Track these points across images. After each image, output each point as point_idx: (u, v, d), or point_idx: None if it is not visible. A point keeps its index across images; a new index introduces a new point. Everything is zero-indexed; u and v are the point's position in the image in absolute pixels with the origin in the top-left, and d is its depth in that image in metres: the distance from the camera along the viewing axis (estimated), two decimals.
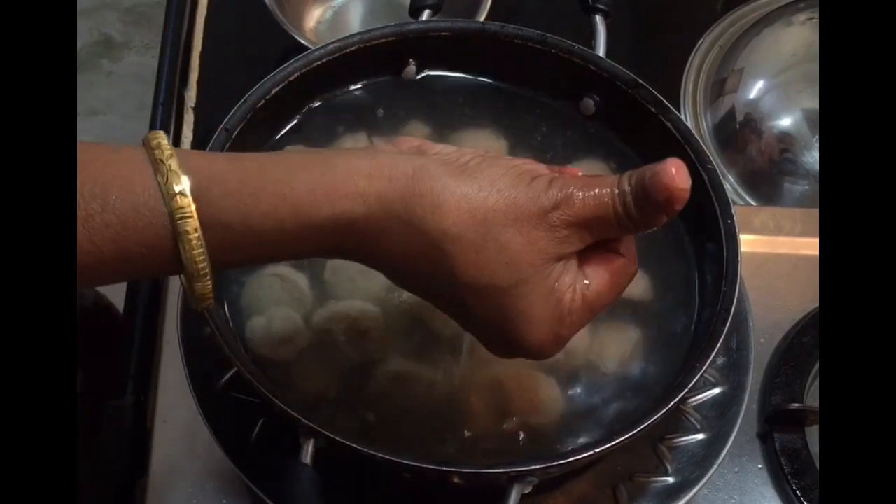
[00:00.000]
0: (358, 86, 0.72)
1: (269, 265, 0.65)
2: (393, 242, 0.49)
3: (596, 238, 0.51)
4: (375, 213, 0.48)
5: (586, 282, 0.51)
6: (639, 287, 0.66)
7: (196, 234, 0.46)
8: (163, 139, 0.47)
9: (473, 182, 0.49)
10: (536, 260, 0.50)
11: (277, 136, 0.70)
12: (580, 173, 0.54)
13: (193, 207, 0.46)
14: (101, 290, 0.96)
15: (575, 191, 0.50)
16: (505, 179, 0.50)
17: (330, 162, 0.49)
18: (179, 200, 0.46)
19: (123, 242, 0.46)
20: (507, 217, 0.49)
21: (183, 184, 0.46)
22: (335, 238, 0.49)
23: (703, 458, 0.66)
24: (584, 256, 0.52)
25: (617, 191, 0.50)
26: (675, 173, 0.49)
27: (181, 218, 0.46)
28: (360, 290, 0.65)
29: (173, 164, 0.46)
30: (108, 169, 0.46)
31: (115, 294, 0.87)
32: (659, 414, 0.56)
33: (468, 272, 0.49)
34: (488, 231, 0.49)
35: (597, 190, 0.50)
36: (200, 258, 0.47)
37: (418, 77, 0.73)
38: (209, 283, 0.48)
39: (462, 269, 0.49)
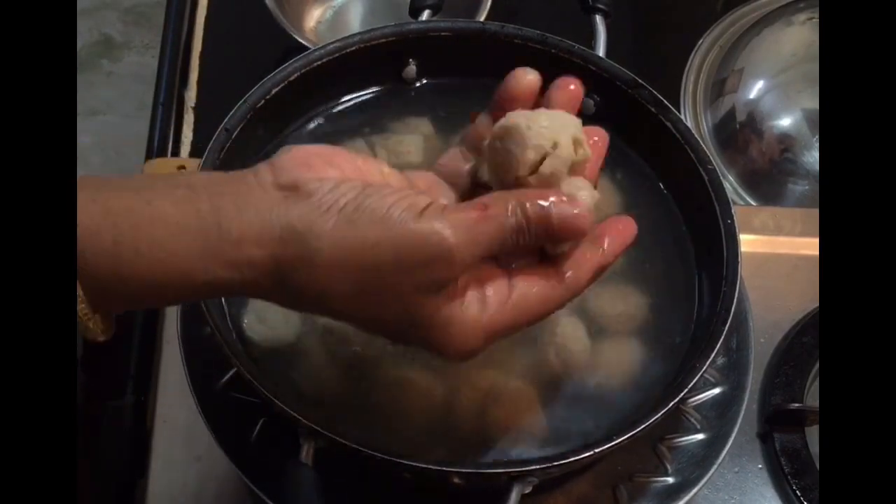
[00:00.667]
0: (358, 86, 0.72)
1: None
2: (276, 299, 0.50)
3: (509, 257, 0.51)
4: (249, 278, 0.48)
5: (505, 297, 0.50)
6: (638, 287, 0.66)
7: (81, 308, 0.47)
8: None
9: (345, 239, 0.47)
10: (426, 300, 0.48)
11: (278, 137, 0.69)
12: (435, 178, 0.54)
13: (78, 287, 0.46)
14: None
15: (465, 233, 0.47)
16: (385, 226, 0.47)
17: (202, 222, 0.47)
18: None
19: None
20: (388, 266, 0.47)
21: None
22: (221, 295, 0.51)
23: (703, 458, 0.66)
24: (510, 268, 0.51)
25: (512, 224, 0.48)
26: (586, 216, 0.49)
27: None
28: None
29: None
30: None
31: None
32: (659, 414, 0.56)
33: (360, 318, 0.50)
34: (367, 283, 0.47)
35: (490, 225, 0.48)
36: (82, 309, 0.47)
37: (418, 77, 0.73)
38: (98, 325, 0.48)
39: (352, 316, 0.50)
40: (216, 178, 0.49)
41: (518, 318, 0.51)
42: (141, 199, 0.47)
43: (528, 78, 0.55)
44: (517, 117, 0.52)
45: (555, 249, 0.51)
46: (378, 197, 0.48)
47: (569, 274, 0.51)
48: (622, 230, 0.53)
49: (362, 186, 0.48)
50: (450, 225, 0.47)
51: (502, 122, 0.52)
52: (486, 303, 0.50)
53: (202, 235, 0.47)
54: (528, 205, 0.49)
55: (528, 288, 0.51)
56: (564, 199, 0.49)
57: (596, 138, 0.56)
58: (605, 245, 0.52)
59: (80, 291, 0.46)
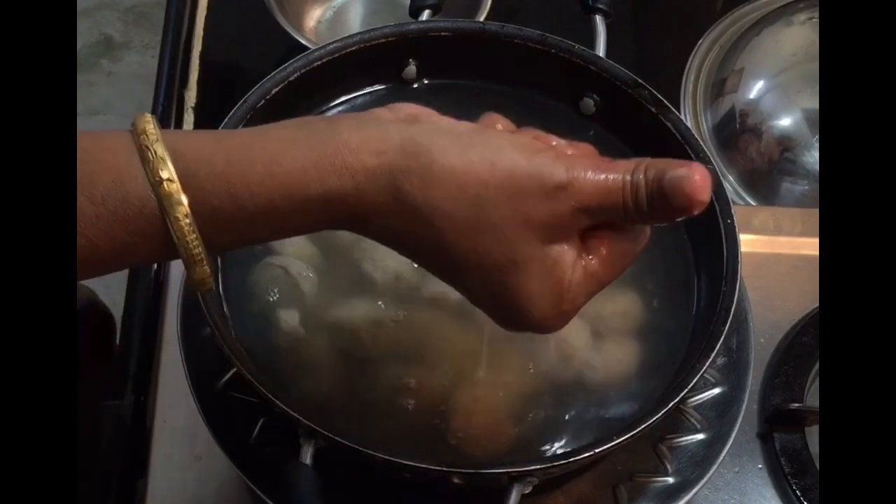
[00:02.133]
0: (358, 86, 0.72)
1: (273, 257, 0.65)
2: (386, 219, 0.48)
3: (598, 221, 0.49)
4: (365, 190, 0.47)
5: (589, 257, 0.50)
6: (638, 287, 0.66)
7: (187, 220, 0.45)
8: (149, 124, 0.46)
9: (465, 155, 0.47)
10: (533, 239, 0.48)
11: None
12: (593, 149, 0.52)
13: (182, 194, 0.45)
14: (100, 290, 0.96)
15: (582, 174, 0.47)
16: (503, 152, 0.47)
17: (319, 136, 0.48)
18: (167, 187, 0.45)
19: (116, 233, 0.45)
20: (502, 193, 0.47)
21: (169, 169, 0.45)
22: (329, 215, 0.48)
23: (703, 458, 0.66)
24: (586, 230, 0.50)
25: (630, 180, 0.48)
26: (699, 183, 0.47)
27: (170, 205, 0.45)
28: (365, 287, 0.65)
29: (159, 149, 0.45)
30: (93, 159, 0.45)
31: (116, 294, 0.87)
32: (659, 414, 0.56)
33: (461, 250, 0.48)
34: (481, 208, 0.47)
35: (607, 176, 0.48)
36: (194, 243, 0.46)
37: (418, 77, 0.73)
38: (206, 267, 0.47)
39: (455, 247, 0.48)
40: (329, 116, 0.50)
41: (610, 269, 0.50)
42: (254, 130, 0.48)
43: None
44: None
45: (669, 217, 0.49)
46: (494, 133, 0.49)
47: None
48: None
49: (477, 125, 0.50)
50: (568, 163, 0.47)
51: None
52: (583, 256, 0.49)
53: (319, 145, 0.47)
54: (647, 164, 0.48)
55: (611, 238, 0.50)
56: (677, 163, 0.48)
57: None
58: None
59: (191, 220, 0.45)
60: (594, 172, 0.48)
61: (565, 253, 0.49)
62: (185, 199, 0.45)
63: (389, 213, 0.48)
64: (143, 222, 0.45)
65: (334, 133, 0.47)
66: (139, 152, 0.46)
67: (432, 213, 0.47)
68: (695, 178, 0.47)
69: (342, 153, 0.47)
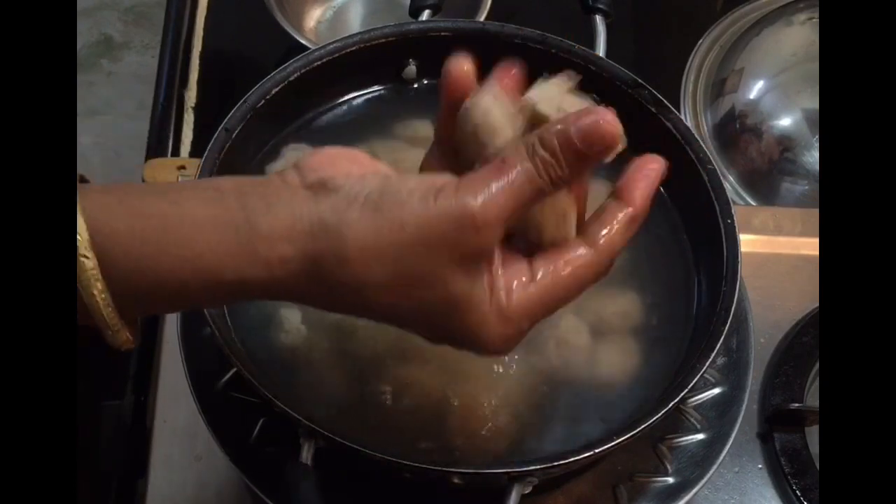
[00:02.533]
0: (358, 86, 0.72)
1: None
2: (309, 298, 0.49)
3: (536, 241, 0.50)
4: (281, 278, 0.47)
5: (531, 283, 0.49)
6: (638, 287, 0.66)
7: (103, 295, 0.46)
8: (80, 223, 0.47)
9: (374, 223, 0.46)
10: (461, 277, 0.47)
11: (278, 137, 0.69)
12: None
13: (97, 269, 0.46)
14: None
15: (487, 193, 0.46)
16: (408, 208, 0.46)
17: (231, 220, 0.47)
18: (83, 262, 0.45)
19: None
20: (419, 247, 0.47)
21: (85, 246, 0.45)
22: (250, 296, 0.49)
23: (703, 458, 0.66)
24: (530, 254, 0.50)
25: (530, 166, 0.47)
26: (610, 119, 0.47)
27: (87, 280, 0.46)
28: None
29: (82, 230, 0.46)
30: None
31: None
32: (659, 414, 0.56)
33: (399, 309, 0.48)
34: (403, 266, 0.47)
35: (509, 178, 0.47)
36: (110, 314, 0.47)
37: (418, 77, 0.73)
38: (125, 333, 0.48)
39: (391, 308, 0.48)
40: (243, 182, 0.49)
41: (556, 293, 0.50)
42: (167, 200, 0.48)
43: (463, 65, 0.54)
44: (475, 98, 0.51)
45: (594, 164, 0.48)
46: (400, 183, 0.48)
47: (601, 236, 0.50)
48: (646, 173, 0.51)
49: (384, 177, 0.48)
50: (468, 192, 0.46)
51: (463, 107, 0.51)
52: (521, 281, 0.49)
53: (232, 232, 0.47)
54: (543, 137, 0.47)
55: (561, 260, 0.50)
56: (575, 116, 0.48)
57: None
58: (633, 195, 0.50)
59: (107, 296, 0.46)
60: (495, 181, 0.47)
61: (496, 281, 0.48)
62: (99, 274, 0.46)
63: (312, 293, 0.48)
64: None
65: (245, 217, 0.47)
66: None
67: (357, 286, 0.47)
68: (605, 118, 0.47)
69: (254, 243, 0.47)
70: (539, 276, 0.49)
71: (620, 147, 0.47)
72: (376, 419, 0.62)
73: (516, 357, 0.64)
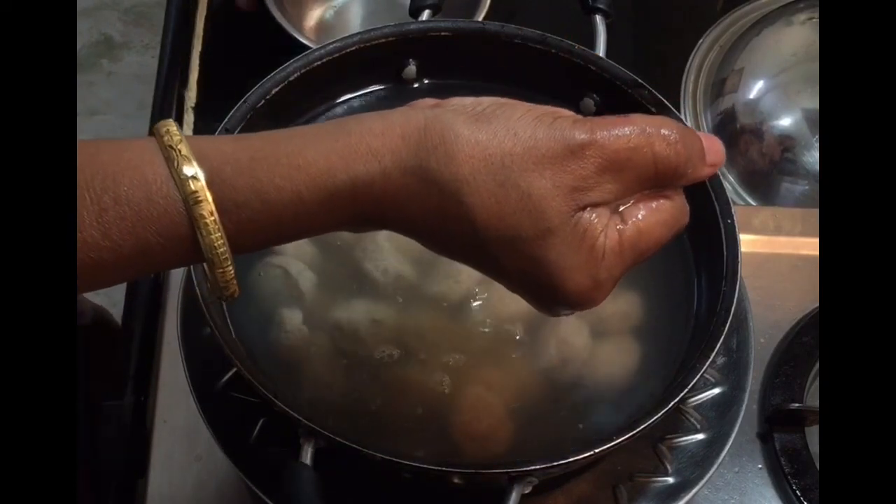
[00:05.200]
0: (358, 86, 0.72)
1: (273, 257, 0.65)
2: (412, 201, 0.47)
3: (631, 189, 0.49)
4: (391, 172, 0.47)
5: (625, 225, 0.49)
6: (638, 287, 0.66)
7: (212, 218, 0.45)
8: (172, 126, 0.46)
9: (488, 128, 0.47)
10: (561, 206, 0.47)
11: None
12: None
13: (207, 191, 0.45)
14: (100, 290, 0.96)
15: (604, 131, 0.47)
16: (523, 122, 0.47)
17: (342, 128, 0.48)
18: (192, 185, 0.45)
19: (141, 234, 0.45)
20: (528, 161, 0.47)
21: (194, 167, 0.45)
22: (356, 206, 0.47)
23: (703, 458, 0.66)
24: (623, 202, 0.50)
25: (653, 132, 0.48)
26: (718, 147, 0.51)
27: (195, 202, 0.45)
28: (365, 287, 0.65)
29: (183, 149, 0.45)
30: (117, 160, 0.45)
31: (116, 294, 0.87)
32: (659, 414, 0.56)
33: (491, 225, 0.47)
34: (507, 178, 0.46)
35: (629, 129, 0.48)
36: (219, 243, 0.46)
37: (418, 77, 0.73)
38: (230, 268, 0.47)
39: (484, 222, 0.47)
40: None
41: (648, 237, 0.50)
42: (274, 131, 0.49)
43: None
44: None
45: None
46: (517, 104, 0.49)
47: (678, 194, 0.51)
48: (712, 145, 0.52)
49: (499, 99, 0.49)
50: (585, 126, 0.47)
51: None
52: (614, 224, 0.49)
53: (343, 135, 0.47)
54: (671, 121, 0.49)
55: (651, 205, 0.50)
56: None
57: None
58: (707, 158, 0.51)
59: (219, 224, 0.45)
60: (616, 128, 0.48)
61: (596, 219, 0.48)
62: (210, 196, 0.45)
63: (415, 196, 0.47)
64: (167, 222, 0.45)
65: (358, 122, 0.48)
66: (163, 152, 0.45)
67: (459, 188, 0.47)
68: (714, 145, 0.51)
69: (366, 139, 0.47)
70: (631, 221, 0.49)
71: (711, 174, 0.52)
72: (377, 419, 0.62)
73: (517, 356, 0.64)
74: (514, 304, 0.65)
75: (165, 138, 0.46)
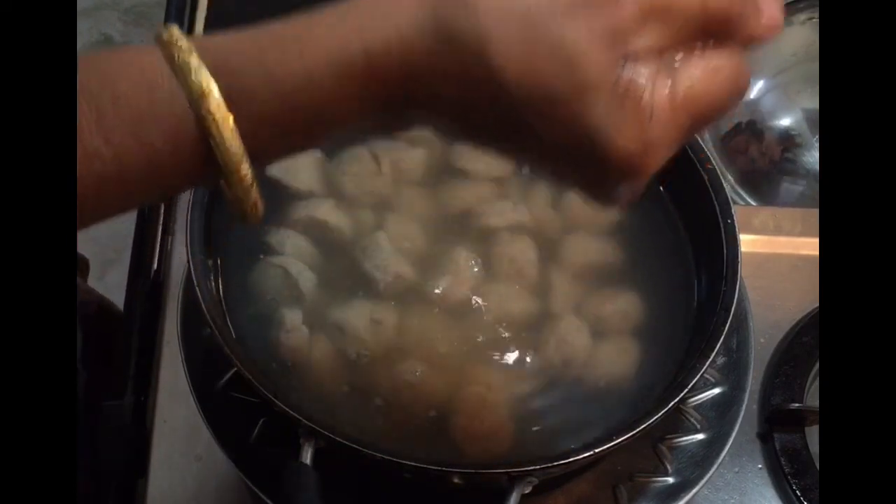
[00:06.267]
0: None
1: (273, 257, 0.65)
2: (433, 69, 0.42)
3: (679, 37, 0.42)
4: (407, 34, 0.42)
5: (678, 78, 0.42)
6: (638, 287, 0.66)
7: (221, 114, 0.41)
8: (174, 28, 0.43)
9: None
10: (601, 57, 0.41)
11: None
12: None
13: (213, 83, 0.41)
14: (100, 290, 0.96)
15: None
16: None
17: (351, 2, 0.44)
18: (196, 76, 0.41)
19: (144, 137, 0.41)
20: (555, 3, 0.41)
21: (197, 59, 0.41)
22: (374, 82, 0.42)
23: (703, 458, 0.66)
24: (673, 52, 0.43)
25: None
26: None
27: (201, 95, 0.41)
28: (365, 287, 0.65)
29: (184, 44, 0.42)
30: (115, 61, 0.42)
31: (116, 294, 0.87)
32: (659, 414, 0.56)
33: (521, 83, 0.41)
34: (534, 24, 0.40)
35: None
36: (232, 141, 0.41)
37: None
38: (248, 172, 0.42)
39: (513, 81, 0.41)
40: None
41: (708, 99, 0.43)
42: (279, 21, 0.44)
43: None
44: None
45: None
46: None
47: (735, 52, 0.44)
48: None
49: None
50: None
51: None
52: (662, 75, 0.42)
53: (353, 6, 0.43)
54: None
55: (705, 59, 0.43)
56: None
57: None
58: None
59: (230, 115, 0.41)
60: None
61: (641, 71, 0.41)
62: (215, 89, 0.41)
63: (436, 62, 0.42)
64: (173, 122, 0.41)
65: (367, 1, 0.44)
66: (163, 49, 0.42)
67: (483, 43, 0.41)
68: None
69: (381, 6, 0.43)
70: (682, 77, 0.42)
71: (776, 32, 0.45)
72: (377, 419, 0.62)
73: (517, 356, 0.64)
74: (514, 304, 0.65)
75: (165, 36, 0.42)
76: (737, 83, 0.44)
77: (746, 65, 0.45)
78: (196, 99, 0.41)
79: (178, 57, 0.41)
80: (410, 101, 0.44)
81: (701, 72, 0.43)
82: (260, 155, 0.43)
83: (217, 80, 0.41)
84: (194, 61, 0.41)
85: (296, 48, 0.42)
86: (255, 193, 0.43)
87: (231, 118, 0.41)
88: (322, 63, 0.42)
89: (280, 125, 0.43)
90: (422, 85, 0.43)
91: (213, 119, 0.41)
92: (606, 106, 0.41)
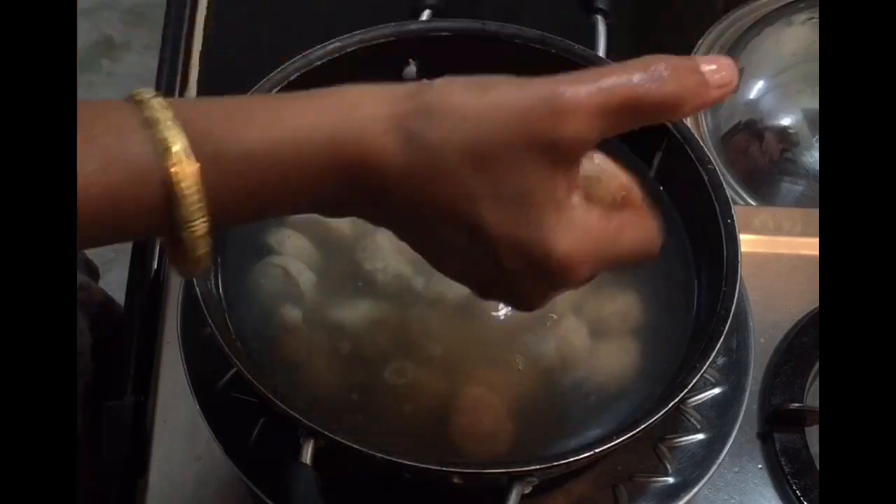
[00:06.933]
0: None
1: (272, 257, 0.65)
2: (397, 173, 0.46)
3: (614, 130, 0.47)
4: (370, 131, 0.46)
5: (600, 214, 0.49)
6: (638, 287, 0.66)
7: (186, 164, 0.43)
8: (146, 89, 0.45)
9: (468, 91, 0.47)
10: (546, 165, 0.46)
11: None
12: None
13: (180, 134, 0.43)
14: (104, 286, 0.96)
15: (588, 76, 0.47)
16: (503, 86, 0.47)
17: (322, 92, 0.47)
18: (165, 128, 0.43)
19: (113, 175, 0.43)
20: (509, 118, 0.46)
21: (168, 114, 0.44)
22: (336, 177, 0.46)
23: (703, 458, 0.66)
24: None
25: (637, 70, 0.47)
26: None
27: (167, 148, 0.43)
28: (365, 287, 0.65)
29: (155, 101, 0.44)
30: (90, 107, 0.45)
31: (116, 294, 0.87)
32: (659, 414, 0.56)
33: (476, 183, 0.46)
34: (489, 134, 0.46)
35: (606, 77, 0.47)
36: (190, 190, 0.44)
37: (418, 77, 0.72)
38: (204, 226, 0.44)
39: (469, 182, 0.46)
40: None
41: (625, 234, 0.50)
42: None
43: None
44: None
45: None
46: (496, 77, 0.49)
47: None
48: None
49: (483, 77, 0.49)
50: (560, 81, 0.47)
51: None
52: (596, 210, 0.48)
53: (324, 94, 0.47)
54: (667, 57, 0.47)
55: (625, 213, 0.50)
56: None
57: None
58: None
59: (194, 162, 0.43)
60: (590, 78, 0.47)
61: (577, 192, 0.48)
62: (181, 140, 0.43)
63: (396, 162, 0.46)
64: (140, 168, 0.43)
65: (339, 90, 0.48)
66: (136, 104, 0.45)
67: (442, 148, 0.45)
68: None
69: (346, 99, 0.47)
70: (613, 215, 0.49)
71: (732, 91, 0.48)
72: (377, 419, 0.62)
73: (517, 355, 0.64)
74: None
75: (137, 96, 0.45)
76: (647, 244, 0.51)
77: (656, 236, 0.52)
78: (163, 151, 0.43)
79: (151, 112, 0.44)
80: (367, 204, 0.48)
81: (630, 222, 0.50)
82: (221, 213, 0.45)
83: (185, 130, 0.44)
84: (164, 115, 0.44)
85: (267, 119, 0.46)
86: (204, 247, 0.45)
87: (197, 168, 0.43)
88: (289, 140, 0.45)
89: (244, 187, 0.45)
90: (383, 191, 0.46)
91: (178, 171, 0.43)
92: (550, 209, 0.47)
